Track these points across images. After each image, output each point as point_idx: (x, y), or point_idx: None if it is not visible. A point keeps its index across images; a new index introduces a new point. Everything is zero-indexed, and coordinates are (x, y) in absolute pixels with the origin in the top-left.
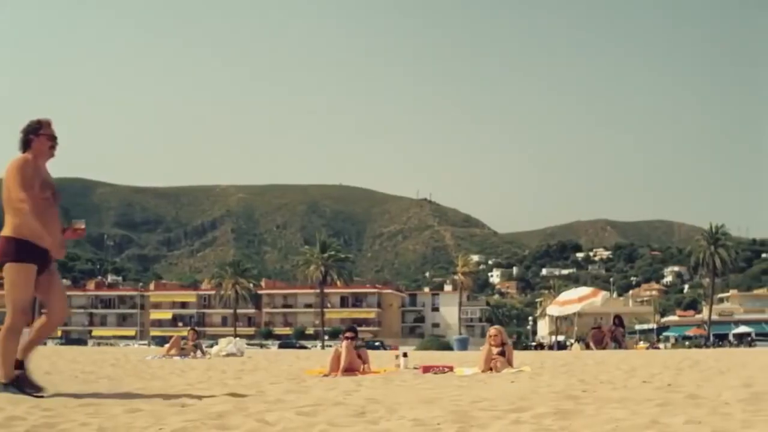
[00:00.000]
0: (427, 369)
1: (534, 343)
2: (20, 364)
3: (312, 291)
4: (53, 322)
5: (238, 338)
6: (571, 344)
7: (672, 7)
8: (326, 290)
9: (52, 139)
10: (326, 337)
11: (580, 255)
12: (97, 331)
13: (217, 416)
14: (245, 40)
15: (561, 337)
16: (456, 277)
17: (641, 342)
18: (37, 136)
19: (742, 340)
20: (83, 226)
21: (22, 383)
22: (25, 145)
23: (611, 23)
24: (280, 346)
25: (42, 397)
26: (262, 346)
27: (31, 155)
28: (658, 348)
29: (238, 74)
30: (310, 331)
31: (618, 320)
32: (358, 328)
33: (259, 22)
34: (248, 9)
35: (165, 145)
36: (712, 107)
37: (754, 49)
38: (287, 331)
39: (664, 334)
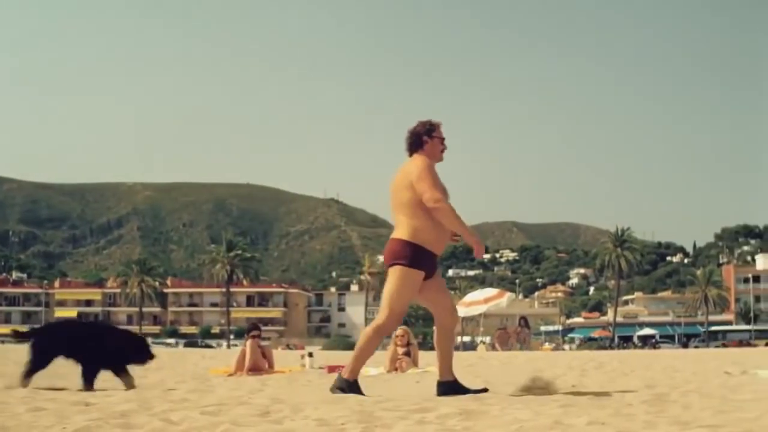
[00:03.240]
0: (332, 369)
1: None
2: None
3: (218, 290)
4: (448, 326)
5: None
6: (477, 345)
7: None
8: (232, 289)
9: (444, 142)
10: (232, 337)
11: (486, 256)
12: (1, 329)
13: (120, 415)
14: (154, 39)
15: (467, 338)
16: (362, 277)
17: (546, 343)
18: (431, 139)
19: (646, 341)
20: None
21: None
22: (417, 146)
23: (523, 22)
24: (186, 345)
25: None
26: (167, 344)
27: (425, 156)
28: (564, 349)
29: (143, 72)
30: (216, 330)
31: (524, 321)
32: (264, 328)
33: (170, 19)
34: (159, 9)
35: (71, 142)
36: (620, 109)
37: (666, 50)
38: (193, 330)
39: (570, 335)
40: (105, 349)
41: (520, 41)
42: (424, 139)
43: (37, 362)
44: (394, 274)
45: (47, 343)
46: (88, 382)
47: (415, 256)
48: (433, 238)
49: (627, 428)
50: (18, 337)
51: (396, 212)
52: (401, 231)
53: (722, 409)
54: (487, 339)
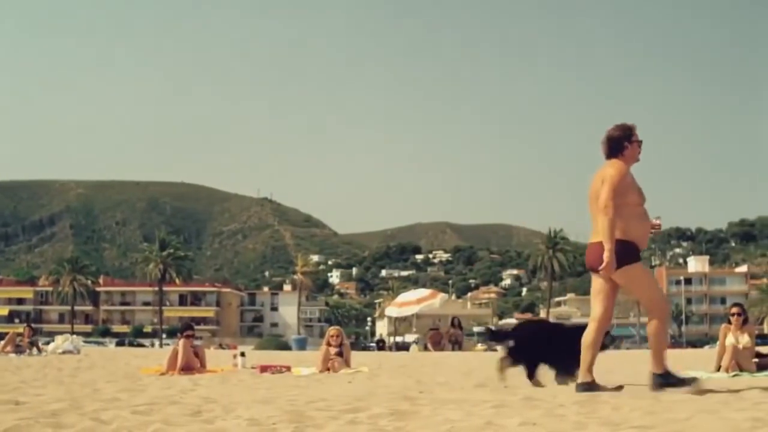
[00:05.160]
0: (264, 369)
1: (376, 340)
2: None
3: (150, 289)
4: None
5: (75, 336)
6: (409, 346)
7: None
8: (165, 288)
9: (641, 144)
10: (164, 336)
11: (419, 257)
12: None
13: (51, 414)
14: (89, 40)
15: (399, 338)
16: (295, 276)
17: (479, 344)
18: (630, 143)
19: None
20: (660, 222)
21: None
22: (617, 150)
23: (459, 23)
24: (118, 344)
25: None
26: (99, 343)
27: (624, 161)
28: (496, 350)
29: (79, 69)
30: (148, 329)
31: (457, 321)
32: (197, 327)
33: (113, 19)
34: (99, 8)
35: (4, 138)
36: (552, 111)
37: (597, 50)
38: (125, 329)
39: None
40: (574, 347)
41: (455, 41)
42: (624, 143)
43: (528, 362)
44: (633, 273)
45: (527, 343)
46: (569, 374)
47: (632, 251)
48: (639, 234)
49: (558, 429)
50: (493, 337)
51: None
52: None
53: (652, 410)
54: (413, 339)
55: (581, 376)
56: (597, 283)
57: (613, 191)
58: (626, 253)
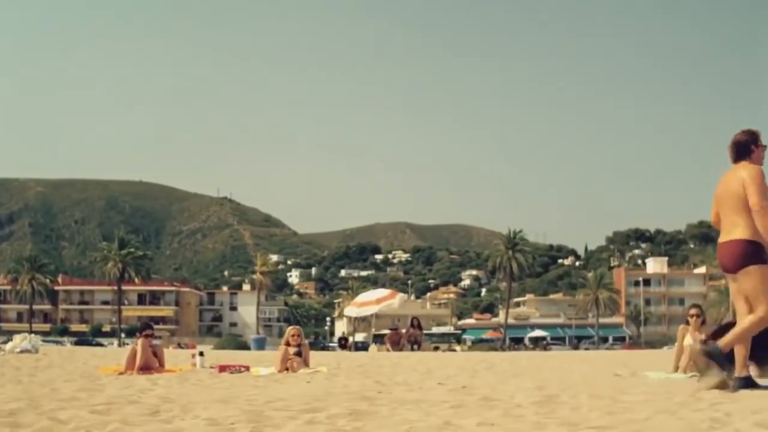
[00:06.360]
0: (223, 368)
1: (338, 338)
2: None
3: (109, 288)
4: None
5: (33, 335)
6: (368, 346)
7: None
8: (124, 287)
9: (765, 149)
10: (123, 335)
11: (379, 257)
12: None
13: (8, 414)
14: (48, 34)
15: (357, 338)
16: (255, 276)
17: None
18: (757, 147)
19: (537, 343)
20: None
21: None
22: (745, 154)
23: (417, 20)
24: (76, 343)
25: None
26: (57, 342)
27: (752, 163)
28: (455, 350)
29: (36, 65)
30: (107, 328)
31: (416, 322)
32: (156, 326)
33: (76, 17)
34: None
35: None
36: (512, 112)
37: (557, 51)
38: (84, 328)
39: (461, 336)
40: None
41: (413, 42)
42: (751, 147)
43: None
44: (756, 273)
45: None
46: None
47: (760, 252)
48: None
49: (516, 429)
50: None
51: (732, 214)
52: (743, 232)
53: (611, 411)
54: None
55: (722, 342)
56: (735, 284)
57: (762, 193)
58: (754, 253)
